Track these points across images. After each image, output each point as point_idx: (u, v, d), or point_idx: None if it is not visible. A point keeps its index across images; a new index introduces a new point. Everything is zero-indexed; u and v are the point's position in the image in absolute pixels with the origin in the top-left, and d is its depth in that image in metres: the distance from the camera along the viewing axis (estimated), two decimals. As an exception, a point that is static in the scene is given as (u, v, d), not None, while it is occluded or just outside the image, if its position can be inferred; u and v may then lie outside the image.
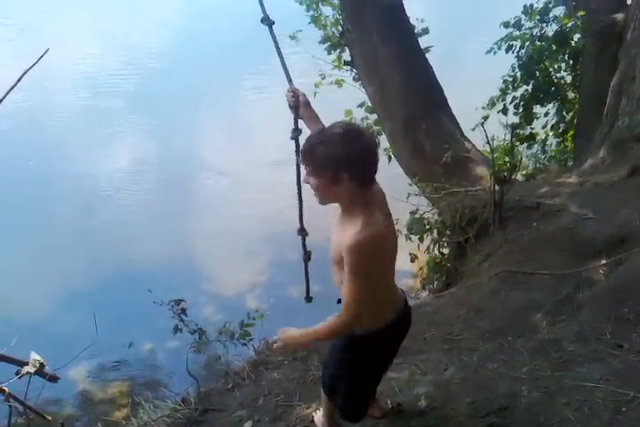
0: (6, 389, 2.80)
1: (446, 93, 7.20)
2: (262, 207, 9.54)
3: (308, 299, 3.41)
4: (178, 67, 13.87)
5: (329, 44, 8.17)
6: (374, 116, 8.08)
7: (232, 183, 10.20)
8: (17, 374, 3.04)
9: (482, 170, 6.62)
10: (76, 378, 6.68)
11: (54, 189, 10.01)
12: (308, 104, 2.87)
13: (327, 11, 8.25)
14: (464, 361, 3.74)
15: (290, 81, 2.94)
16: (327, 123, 2.53)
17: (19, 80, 1.87)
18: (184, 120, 12.12)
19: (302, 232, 3.24)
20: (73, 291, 7.85)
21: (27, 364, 3.13)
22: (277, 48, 2.98)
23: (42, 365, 3.12)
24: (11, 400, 2.85)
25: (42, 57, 1.95)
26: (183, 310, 4.88)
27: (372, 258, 2.23)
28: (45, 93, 12.42)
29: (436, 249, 6.37)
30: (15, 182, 9.98)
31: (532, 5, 8.40)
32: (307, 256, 3.27)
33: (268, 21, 3.01)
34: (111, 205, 9.68)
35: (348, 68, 7.93)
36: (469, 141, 7.05)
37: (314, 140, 2.27)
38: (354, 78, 8.01)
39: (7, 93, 1.85)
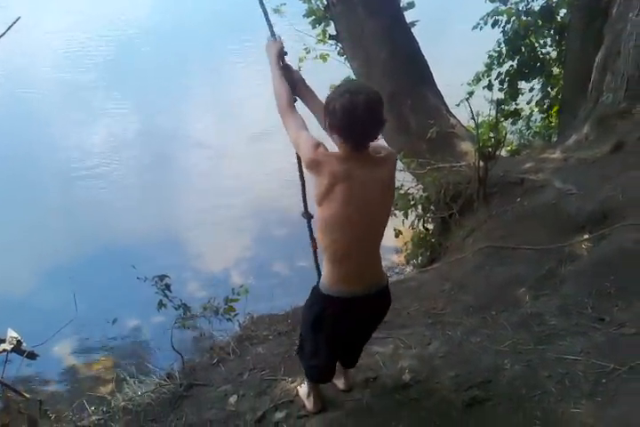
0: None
1: (432, 69, 7.17)
2: (247, 181, 9.49)
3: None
4: (159, 40, 13.66)
5: (313, 17, 8.03)
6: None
7: (216, 157, 10.13)
8: (-7, 351, 3.02)
9: (466, 146, 6.62)
10: (60, 354, 6.66)
11: (35, 165, 9.89)
12: (303, 82, 2.84)
13: (312, -17, 8.09)
14: (448, 335, 3.77)
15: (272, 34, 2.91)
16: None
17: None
18: (165, 94, 11.99)
19: (306, 215, 3.12)
20: (56, 267, 7.79)
21: (3, 341, 3.11)
22: (268, 22, 2.91)
23: (19, 342, 3.09)
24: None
25: (12, 25, 1.88)
26: (167, 286, 4.86)
27: None
28: (22, 67, 12.18)
29: (420, 225, 6.38)
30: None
31: (518, -21, 8.33)
32: (313, 243, 3.11)
33: None
34: (94, 180, 9.58)
35: (333, 42, 7.83)
36: (454, 117, 7.04)
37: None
38: (339, 53, 7.93)
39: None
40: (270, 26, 2.94)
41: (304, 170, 2.64)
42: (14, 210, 8.65)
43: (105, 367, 6.52)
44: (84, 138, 10.68)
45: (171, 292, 4.86)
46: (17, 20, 1.95)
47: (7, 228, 8.33)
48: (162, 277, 4.83)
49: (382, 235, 2.61)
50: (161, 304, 4.81)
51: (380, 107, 2.36)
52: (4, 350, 3.53)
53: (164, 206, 8.92)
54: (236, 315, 4.82)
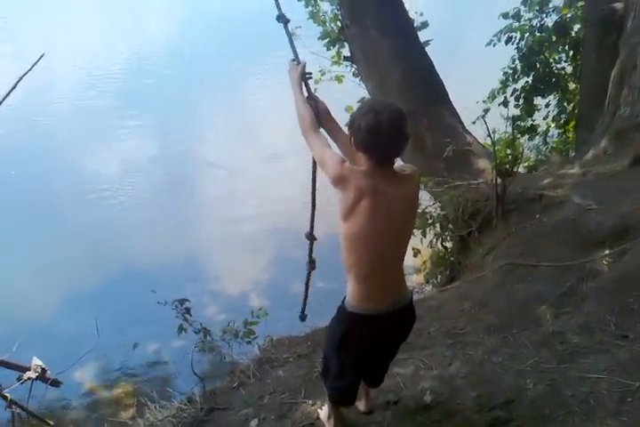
0: (8, 395, 2.80)
1: (447, 87, 7.18)
2: (263, 202, 9.53)
3: (303, 317, 3.42)
4: (177, 64, 13.88)
5: (328, 39, 8.13)
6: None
7: (233, 178, 10.19)
8: (19, 379, 3.04)
9: (484, 163, 6.59)
10: (81, 380, 6.68)
11: (54, 189, 10.02)
12: (328, 112, 2.85)
13: (326, 6, 8.21)
14: (469, 355, 3.73)
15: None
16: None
17: (14, 86, 1.86)
18: (183, 117, 12.13)
19: (310, 237, 3.10)
20: (76, 292, 7.84)
21: (28, 369, 3.14)
22: (292, 46, 2.97)
23: (43, 370, 3.12)
24: (13, 407, 2.85)
25: (37, 62, 1.93)
26: (187, 310, 4.88)
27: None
28: (42, 93, 12.41)
29: (439, 243, 6.35)
30: (15, 184, 9.98)
31: (531, -4, 8.36)
32: (311, 265, 3.09)
33: (283, 19, 3.03)
34: (112, 204, 9.69)
35: (348, 63, 7.89)
36: (471, 135, 7.02)
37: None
38: (354, 74, 7.98)
39: (4, 98, 1.84)
40: (294, 49, 3.00)
41: (329, 184, 2.55)
42: (34, 236, 8.76)
43: (126, 392, 6.51)
44: (101, 162, 10.81)
45: (191, 316, 4.87)
46: (41, 57, 2.00)
47: (27, 254, 8.43)
48: (182, 302, 4.85)
49: (405, 251, 2.64)
50: (181, 328, 4.82)
51: (404, 123, 2.41)
52: (29, 378, 3.57)
53: (182, 229, 8.97)
54: (255, 338, 4.82)
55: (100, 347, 5.90)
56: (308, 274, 3.17)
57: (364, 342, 2.65)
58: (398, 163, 2.56)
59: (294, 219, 9.14)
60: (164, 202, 9.63)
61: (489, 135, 5.97)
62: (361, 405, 3.25)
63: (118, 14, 16.59)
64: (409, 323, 2.75)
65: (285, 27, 3.04)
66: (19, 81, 1.97)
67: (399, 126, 2.38)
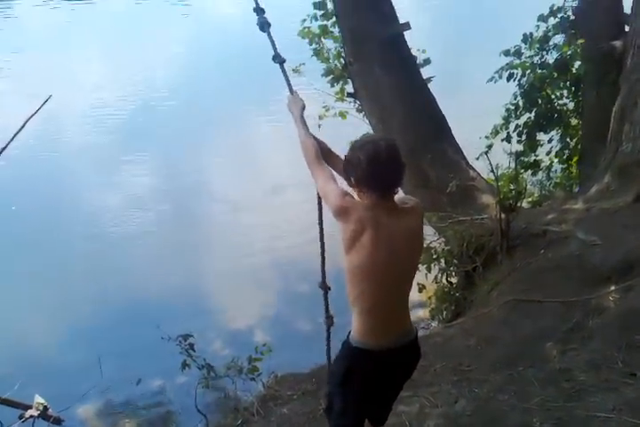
0: (9, 433, 2.78)
1: (449, 123, 7.26)
2: (269, 235, 9.56)
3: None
4: (183, 99, 14.07)
5: (332, 76, 8.27)
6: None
7: (238, 212, 10.22)
8: (20, 418, 3.03)
9: (487, 198, 6.62)
10: (84, 416, 6.60)
11: (60, 223, 10.05)
12: (326, 146, 2.96)
13: (330, 44, 8.37)
14: (474, 393, 3.70)
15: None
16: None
17: (22, 127, 1.91)
18: (189, 152, 12.24)
19: (324, 286, 3.00)
20: (79, 328, 7.79)
21: (30, 407, 3.12)
22: (289, 85, 3.08)
23: (45, 408, 3.10)
24: (15, 445, 2.83)
25: (44, 103, 1.99)
26: (191, 346, 4.88)
27: None
28: (50, 130, 12.56)
29: (443, 278, 6.34)
30: (19, 219, 10.03)
31: (531, 34, 8.50)
32: (329, 321, 2.97)
33: (279, 59, 3.13)
34: (116, 238, 9.70)
35: (352, 99, 8.00)
36: (474, 170, 7.07)
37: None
38: (357, 109, 8.09)
39: (11, 140, 1.88)
40: (291, 88, 3.11)
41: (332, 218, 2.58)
42: (37, 270, 8.75)
43: (129, 430, 6.44)
44: (105, 197, 10.87)
45: (194, 351, 4.86)
46: (48, 98, 2.06)
47: (30, 288, 8.40)
48: (185, 337, 4.85)
49: (411, 286, 2.61)
50: (185, 364, 4.81)
51: (399, 153, 2.49)
52: (31, 417, 3.54)
53: (187, 263, 8.95)
54: (259, 374, 4.79)
55: (103, 382, 5.85)
56: (328, 330, 3.04)
57: (368, 379, 2.58)
58: (400, 195, 2.57)
59: (301, 253, 9.18)
60: (169, 236, 9.64)
61: (492, 171, 6.02)
62: None
63: (122, 47, 16.88)
64: (414, 360, 2.69)
65: (281, 66, 3.15)
66: (26, 122, 2.03)
67: (397, 155, 2.46)
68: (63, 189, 11.20)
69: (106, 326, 7.72)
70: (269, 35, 3.14)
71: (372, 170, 2.42)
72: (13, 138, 1.93)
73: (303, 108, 2.96)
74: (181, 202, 10.72)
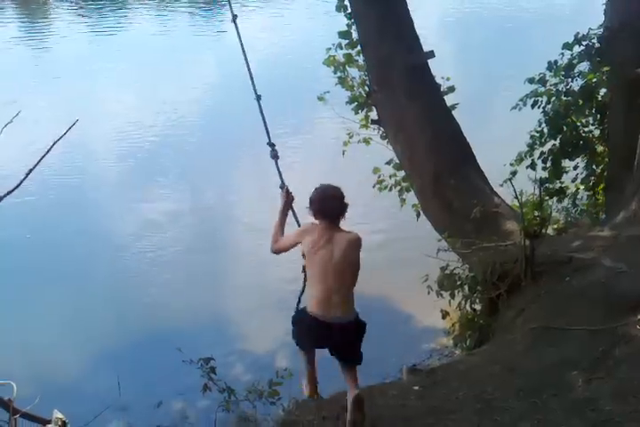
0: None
1: (474, 150, 7.27)
2: (291, 262, 9.58)
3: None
4: (208, 125, 14.29)
5: (356, 103, 8.34)
6: (402, 173, 8.17)
7: (259, 237, 10.26)
8: (39, 431, 3.06)
9: (512, 225, 6.58)
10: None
11: (81, 248, 10.19)
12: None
13: (354, 72, 8.46)
14: (497, 421, 3.63)
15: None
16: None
17: (48, 150, 1.97)
18: (213, 178, 12.37)
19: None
20: (102, 349, 7.85)
21: (49, 422, 3.15)
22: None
23: (64, 423, 3.13)
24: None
25: (71, 128, 2.05)
26: (212, 369, 4.89)
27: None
28: (75, 154, 12.81)
29: (467, 305, 6.27)
30: (43, 243, 10.20)
31: (556, 61, 8.50)
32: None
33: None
34: (139, 262, 9.81)
35: (376, 126, 8.06)
36: (498, 196, 7.05)
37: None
38: (381, 136, 8.13)
39: (38, 162, 1.95)
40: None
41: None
42: (60, 293, 8.89)
43: (150, 454, 6.41)
44: (126, 222, 11.01)
45: (216, 374, 4.87)
46: (75, 123, 2.13)
47: (54, 311, 8.52)
48: (207, 360, 4.86)
49: (348, 285, 3.80)
50: (206, 388, 4.82)
51: (341, 194, 3.85)
52: (50, 431, 3.57)
53: (210, 288, 9.00)
54: (279, 399, 4.77)
55: (124, 405, 5.87)
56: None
57: (307, 326, 3.90)
58: (347, 229, 3.86)
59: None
60: (192, 260, 9.71)
61: (516, 197, 5.99)
62: (350, 393, 3.79)
63: (148, 75, 17.25)
64: (347, 334, 3.82)
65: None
66: (53, 145, 2.10)
67: (337, 195, 3.82)
68: (86, 214, 11.38)
69: (128, 349, 7.78)
70: (277, 164, 4.43)
71: (317, 203, 3.81)
72: (40, 160, 1.99)
73: (292, 201, 4.22)
74: (204, 227, 10.80)
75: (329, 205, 3.75)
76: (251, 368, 7.28)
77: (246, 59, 4.46)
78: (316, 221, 3.82)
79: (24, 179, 1.93)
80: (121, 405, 5.47)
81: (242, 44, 4.48)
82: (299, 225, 4.20)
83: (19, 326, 8.23)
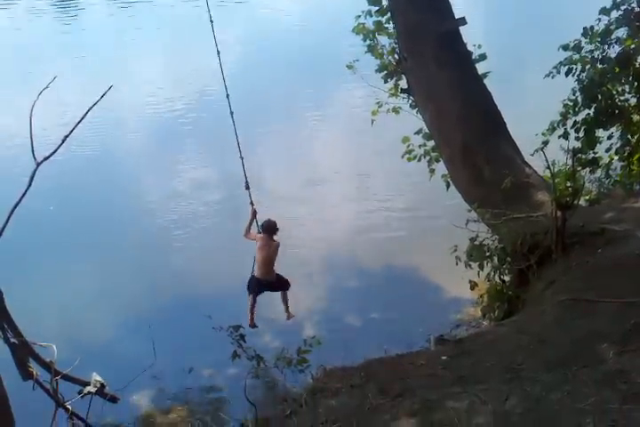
0: (69, 407, 2.90)
1: (505, 119, 7.14)
2: (318, 231, 9.62)
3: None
4: (238, 100, 14.22)
5: (385, 72, 8.21)
6: (432, 143, 8.06)
7: (287, 205, 10.29)
8: (79, 393, 3.15)
9: (543, 195, 6.49)
10: (137, 402, 6.79)
11: (118, 217, 10.34)
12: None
13: (383, 40, 8.32)
14: (526, 391, 3.63)
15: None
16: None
17: (83, 117, 1.97)
18: (246, 148, 12.33)
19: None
20: (134, 316, 8.06)
21: (88, 384, 3.24)
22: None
23: (102, 385, 3.22)
24: (73, 418, 2.95)
25: (105, 94, 2.04)
26: (241, 336, 4.95)
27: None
28: (108, 126, 12.90)
29: (496, 276, 6.24)
30: (80, 212, 10.36)
31: (592, 27, 8.21)
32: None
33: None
34: (171, 231, 9.93)
35: (405, 95, 7.95)
36: (530, 167, 6.94)
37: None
38: (411, 105, 8.02)
39: (75, 127, 1.95)
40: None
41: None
42: (98, 261, 9.08)
43: (180, 416, 6.58)
44: (165, 191, 11.13)
45: (245, 342, 4.93)
46: (109, 88, 2.12)
47: (90, 279, 8.75)
48: (236, 328, 4.92)
49: (271, 263, 6.50)
50: (235, 355, 4.88)
51: (275, 224, 6.52)
52: (89, 393, 3.68)
53: (238, 256, 9.08)
54: (308, 366, 4.81)
55: (157, 370, 5.98)
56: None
57: (255, 282, 6.49)
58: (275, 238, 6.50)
59: (351, 247, 9.21)
60: (222, 229, 9.79)
61: (548, 167, 5.89)
62: (285, 312, 6.77)
63: (186, 49, 17.19)
64: (272, 283, 6.56)
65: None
66: (87, 112, 2.09)
67: (271, 224, 6.49)
68: (121, 182, 11.52)
69: (159, 315, 7.97)
70: (250, 194, 6.70)
71: (265, 227, 6.49)
72: (76, 126, 1.99)
73: (255, 215, 6.58)
74: (231, 195, 10.83)
75: (269, 229, 6.44)
76: (279, 336, 7.39)
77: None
78: (262, 235, 6.46)
79: (60, 145, 1.93)
80: (153, 370, 5.59)
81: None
82: (257, 228, 6.59)
83: (56, 291, 8.51)
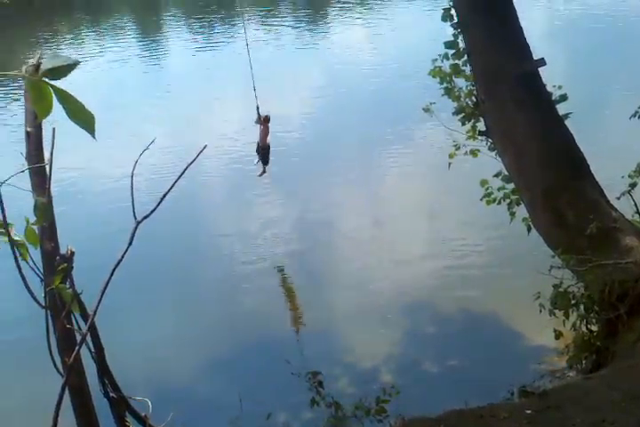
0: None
1: (589, 160, 6.95)
2: (398, 275, 9.53)
3: None
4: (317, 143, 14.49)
5: (462, 114, 8.18)
6: (511, 186, 7.91)
7: (365, 249, 10.28)
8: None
9: (631, 241, 6.21)
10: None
11: (197, 256, 10.57)
12: None
13: (460, 83, 8.32)
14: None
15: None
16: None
17: (181, 174, 2.04)
18: (321, 191, 12.50)
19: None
20: (214, 360, 8.10)
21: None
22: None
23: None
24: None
25: (201, 152, 2.12)
26: (320, 383, 4.93)
27: None
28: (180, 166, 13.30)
29: (583, 326, 5.97)
30: (160, 253, 10.65)
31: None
32: None
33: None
34: (251, 272, 10.07)
35: (483, 138, 7.87)
36: (616, 210, 6.67)
37: None
38: (489, 148, 7.92)
39: (172, 185, 2.02)
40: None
41: None
42: (178, 303, 9.28)
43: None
44: (241, 228, 11.34)
45: (323, 389, 4.91)
46: (204, 148, 2.19)
47: (171, 320, 8.91)
48: (315, 374, 4.91)
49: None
50: (314, 402, 4.86)
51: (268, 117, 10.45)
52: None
53: (317, 298, 9.12)
54: (387, 416, 4.73)
55: (234, 413, 6.00)
56: None
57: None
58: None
59: (429, 293, 9.07)
60: (301, 270, 9.86)
61: (637, 211, 5.66)
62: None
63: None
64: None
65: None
66: (185, 170, 2.16)
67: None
68: (199, 223, 11.82)
69: (238, 360, 7.99)
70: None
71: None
72: (174, 185, 2.07)
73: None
74: (312, 236, 10.93)
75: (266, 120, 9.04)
76: (356, 383, 7.27)
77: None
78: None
79: (159, 203, 2.01)
80: (231, 413, 5.62)
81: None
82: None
83: (138, 335, 8.59)
